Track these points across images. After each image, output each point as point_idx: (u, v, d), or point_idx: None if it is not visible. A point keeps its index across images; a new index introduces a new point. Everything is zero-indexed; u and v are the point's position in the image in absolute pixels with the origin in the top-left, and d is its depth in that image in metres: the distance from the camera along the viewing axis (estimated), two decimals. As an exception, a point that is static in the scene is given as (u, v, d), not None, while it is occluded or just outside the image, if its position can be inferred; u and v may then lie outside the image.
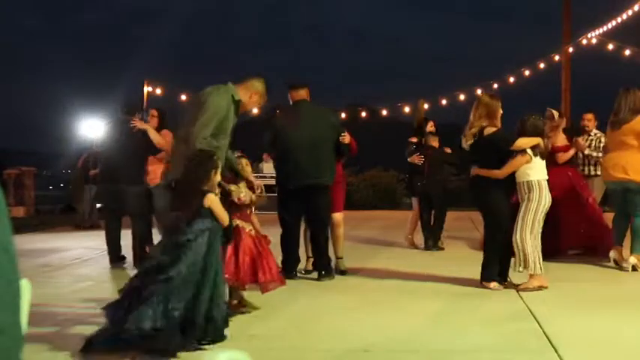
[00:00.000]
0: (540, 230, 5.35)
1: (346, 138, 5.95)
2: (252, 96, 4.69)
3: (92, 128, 12.17)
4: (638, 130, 6.22)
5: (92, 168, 11.54)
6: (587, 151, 7.56)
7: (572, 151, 7.36)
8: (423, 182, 8.09)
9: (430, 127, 8.45)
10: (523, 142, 5.37)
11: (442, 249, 8.04)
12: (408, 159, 8.18)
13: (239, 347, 3.50)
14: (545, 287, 5.26)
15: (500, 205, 5.43)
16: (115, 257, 6.79)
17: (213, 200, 3.80)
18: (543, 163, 5.41)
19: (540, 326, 4.04)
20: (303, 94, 6.02)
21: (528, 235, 5.27)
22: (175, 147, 4.64)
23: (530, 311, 4.50)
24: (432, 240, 8.06)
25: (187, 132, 4.42)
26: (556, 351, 3.49)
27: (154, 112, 7.23)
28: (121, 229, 6.86)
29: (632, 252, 6.24)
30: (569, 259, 6.95)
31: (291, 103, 6.09)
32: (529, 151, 5.32)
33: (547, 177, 5.40)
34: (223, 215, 3.84)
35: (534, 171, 5.34)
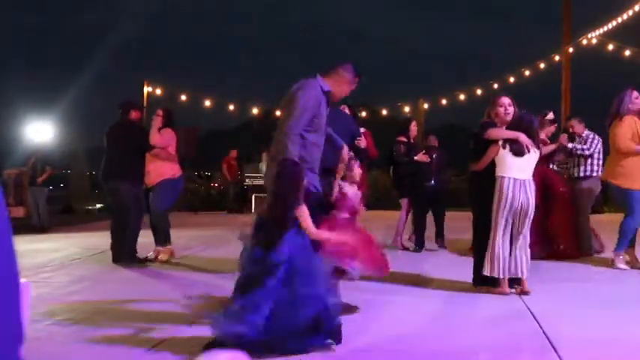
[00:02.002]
0: (507, 231, 5.11)
1: (362, 142, 5.89)
2: (340, 84, 4.52)
3: (39, 132, 11.90)
4: (612, 134, 6.33)
5: (40, 173, 11.41)
6: (570, 145, 7.41)
7: (552, 145, 7.31)
8: (431, 182, 8.11)
9: (413, 125, 8.46)
10: (494, 132, 5.24)
11: (445, 248, 8.10)
12: (415, 157, 8.09)
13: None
14: (506, 294, 5.04)
15: (485, 204, 5.23)
16: (117, 256, 6.84)
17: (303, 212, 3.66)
18: (517, 161, 5.13)
19: (540, 326, 4.03)
20: None
21: (491, 235, 5.12)
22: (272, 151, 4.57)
23: (530, 311, 4.49)
24: (441, 238, 8.19)
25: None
26: (556, 351, 3.49)
27: (159, 112, 7.31)
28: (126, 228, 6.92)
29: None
30: (569, 259, 6.95)
31: None
32: (500, 141, 5.19)
33: (520, 177, 5.10)
34: (309, 224, 3.68)
35: (500, 166, 5.15)
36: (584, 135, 7.53)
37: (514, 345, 3.68)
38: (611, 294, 5.20)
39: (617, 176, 6.30)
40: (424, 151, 8.13)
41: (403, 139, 8.28)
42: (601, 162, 7.41)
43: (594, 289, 5.39)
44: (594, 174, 7.42)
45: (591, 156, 7.40)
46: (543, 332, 3.89)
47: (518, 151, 5.15)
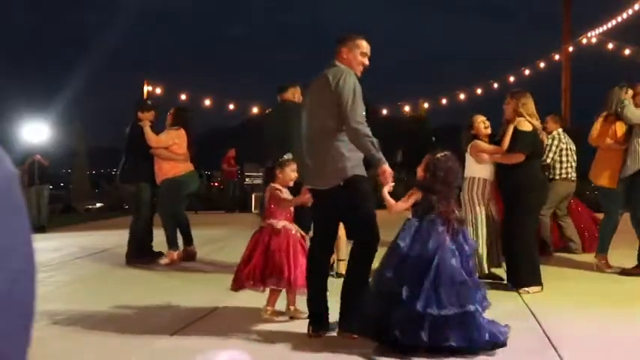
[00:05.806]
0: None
1: None
2: (355, 62, 4.29)
3: (36, 132, 11.79)
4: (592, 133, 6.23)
5: (39, 171, 11.35)
6: None
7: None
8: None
9: None
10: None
11: None
12: None
13: (238, 346, 3.50)
14: None
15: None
16: (135, 254, 6.86)
17: None
18: (470, 159, 5.63)
19: (540, 325, 4.04)
20: (287, 95, 6.05)
21: None
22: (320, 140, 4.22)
23: (530, 310, 4.50)
24: None
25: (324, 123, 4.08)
26: (556, 350, 3.49)
27: (172, 110, 7.30)
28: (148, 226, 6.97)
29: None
30: (569, 259, 6.95)
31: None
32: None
33: (469, 175, 5.58)
34: None
35: None
36: (552, 134, 7.21)
37: (514, 344, 3.68)
38: (610, 293, 5.20)
39: (593, 174, 6.26)
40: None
41: None
42: (568, 164, 7.18)
43: (594, 289, 5.39)
44: (554, 177, 7.12)
45: (550, 162, 7.12)
46: (543, 331, 3.90)
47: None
